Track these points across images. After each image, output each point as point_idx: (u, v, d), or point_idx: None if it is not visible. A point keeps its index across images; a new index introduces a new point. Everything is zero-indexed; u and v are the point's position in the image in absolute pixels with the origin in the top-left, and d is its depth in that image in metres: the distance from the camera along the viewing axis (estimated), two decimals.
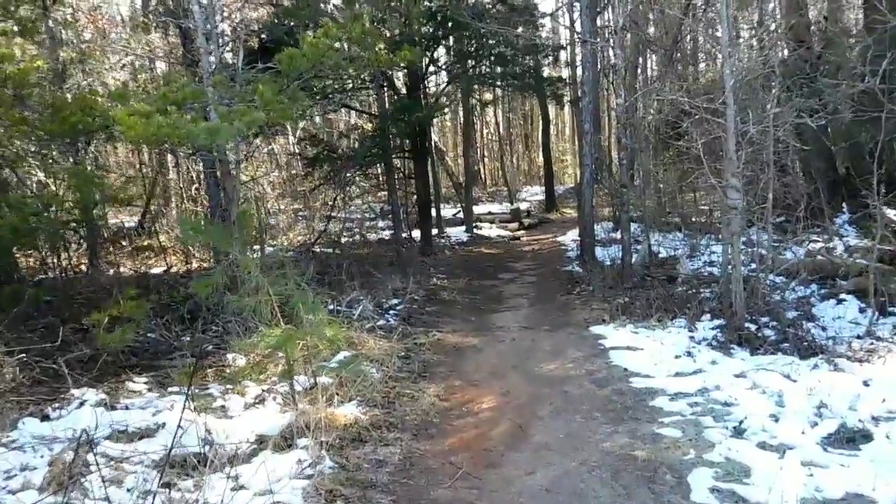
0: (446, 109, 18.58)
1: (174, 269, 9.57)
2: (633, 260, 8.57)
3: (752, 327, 5.56)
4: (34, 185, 8.18)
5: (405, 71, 11.68)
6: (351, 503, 3.27)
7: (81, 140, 7.52)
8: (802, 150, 7.29)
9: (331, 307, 6.47)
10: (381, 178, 14.07)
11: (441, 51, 13.18)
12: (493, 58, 12.34)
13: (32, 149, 7.10)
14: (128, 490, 3.30)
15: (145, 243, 11.61)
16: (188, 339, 5.92)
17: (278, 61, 5.61)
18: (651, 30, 12.29)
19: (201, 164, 9.27)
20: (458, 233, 14.85)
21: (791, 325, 5.50)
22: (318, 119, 17.26)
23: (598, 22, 13.03)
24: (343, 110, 16.57)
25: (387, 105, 11.91)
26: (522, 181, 25.68)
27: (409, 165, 12.84)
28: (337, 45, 6.25)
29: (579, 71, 15.30)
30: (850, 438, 3.59)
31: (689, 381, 4.65)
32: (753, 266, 6.50)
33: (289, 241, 12.23)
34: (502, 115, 25.85)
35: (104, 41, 11.53)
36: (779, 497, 3.04)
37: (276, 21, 9.60)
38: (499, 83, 14.62)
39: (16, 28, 7.08)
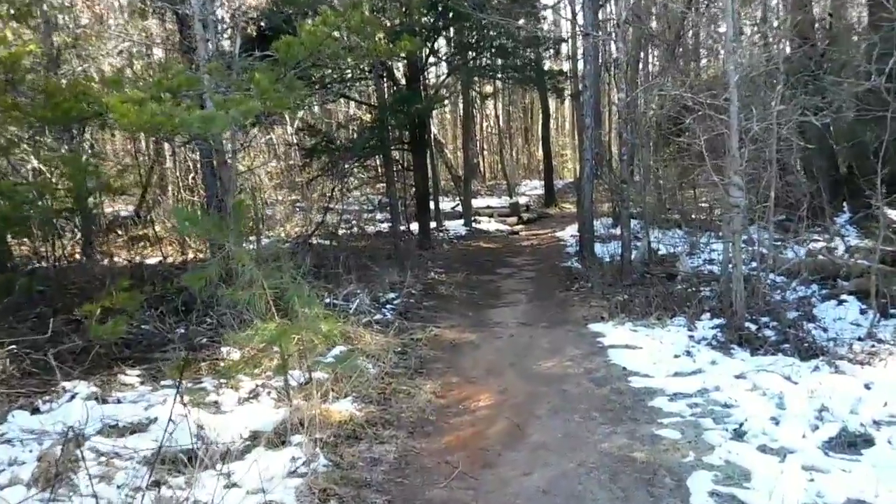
0: (446, 101, 18.43)
1: (170, 260, 9.48)
2: (633, 257, 8.51)
3: (753, 327, 5.51)
4: (29, 172, 8.06)
5: (405, 61, 11.55)
6: (345, 503, 3.21)
7: (75, 127, 7.40)
8: (806, 149, 7.21)
9: (327, 301, 6.40)
10: (379, 170, 13.99)
11: (441, 42, 13.10)
12: (493, 50, 12.22)
13: (26, 135, 6.98)
14: (118, 487, 3.24)
15: (141, 233, 11.51)
16: (182, 331, 5.84)
17: (276, 49, 5.51)
18: (653, 24, 12.19)
19: (198, 153, 9.17)
20: (456, 226, 14.77)
21: (792, 326, 5.45)
22: (316, 109, 17.13)
23: (600, 15, 12.89)
24: (342, 101, 16.46)
25: (386, 96, 11.79)
26: (521, 175, 25.57)
27: (407, 157, 12.74)
28: (335, 33, 6.14)
29: (580, 64, 15.17)
30: (851, 443, 3.55)
31: (689, 382, 4.61)
32: (754, 265, 6.44)
33: (286, 233, 12.14)
34: (502, 108, 25.72)
35: (100, 26, 11.37)
36: (780, 502, 3.00)
37: (274, 8, 9.45)
38: (499, 76, 14.52)
39: (11, 11, 6.94)
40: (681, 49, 11.92)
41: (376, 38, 6.92)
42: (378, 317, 6.57)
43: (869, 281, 5.61)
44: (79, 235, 9.05)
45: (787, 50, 8.88)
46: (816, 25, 10.40)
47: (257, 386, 4.58)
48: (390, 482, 3.43)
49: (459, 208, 16.36)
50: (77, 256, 8.73)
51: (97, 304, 5.00)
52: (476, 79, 16.26)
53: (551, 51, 16.25)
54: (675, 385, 4.57)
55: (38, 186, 6.74)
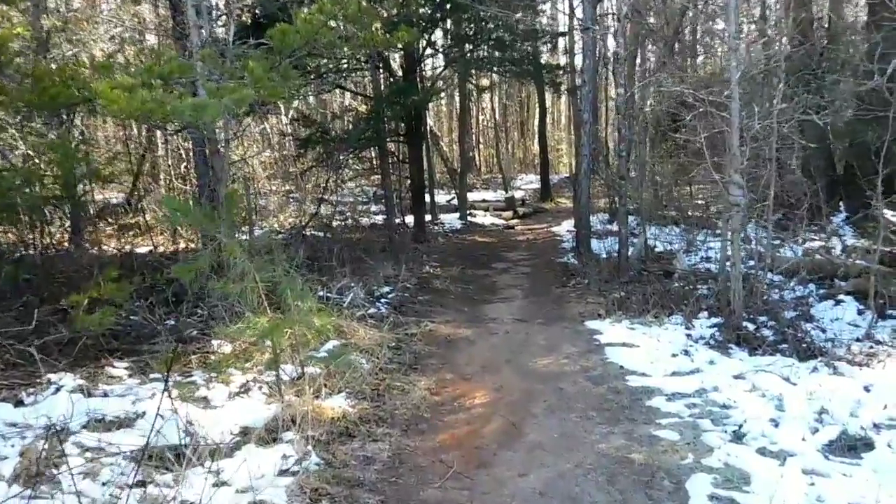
0: (442, 94, 18.30)
1: (160, 249, 9.33)
2: (630, 253, 8.46)
3: (751, 327, 5.46)
4: (18, 158, 7.88)
5: (401, 52, 11.42)
6: (337, 503, 3.13)
7: (64, 113, 7.24)
8: (805, 149, 7.17)
9: (320, 294, 6.30)
10: (374, 162, 13.85)
11: (438, 33, 12.93)
12: (491, 42, 12.08)
13: (13, 120, 6.81)
14: (102, 484, 3.14)
15: (131, 221, 11.34)
16: (172, 323, 5.73)
17: (270, 37, 5.38)
18: (651, 20, 12.10)
19: (190, 141, 9.02)
20: (451, 220, 14.68)
21: (790, 326, 5.41)
22: (311, 99, 16.93)
23: (598, 10, 12.77)
24: (337, 91, 16.29)
25: (382, 87, 11.65)
26: (517, 169, 25.51)
27: (403, 150, 12.62)
28: (332, 22, 6.01)
29: (577, 59, 15.09)
30: (851, 446, 3.50)
31: (687, 381, 4.55)
32: (752, 264, 6.40)
33: (279, 224, 12.01)
34: (498, 101, 25.60)
35: (92, 11, 11.16)
36: None
37: None
38: (497, 68, 14.38)
39: None
40: (678, 46, 11.85)
41: (373, 28, 6.80)
42: (372, 311, 6.48)
43: (866, 281, 5.58)
44: (67, 223, 8.88)
45: (787, 48, 8.82)
46: (815, 24, 10.35)
47: (248, 380, 4.49)
48: (384, 482, 3.35)
49: (455, 202, 16.28)
50: (65, 245, 8.57)
51: (85, 295, 4.87)
52: (473, 71, 16.12)
53: (549, 45, 16.13)
54: (673, 385, 4.52)
55: (25, 173, 6.58)
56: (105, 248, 9.04)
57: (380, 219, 13.38)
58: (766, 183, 6.05)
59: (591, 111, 9.89)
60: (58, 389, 4.17)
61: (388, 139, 11.42)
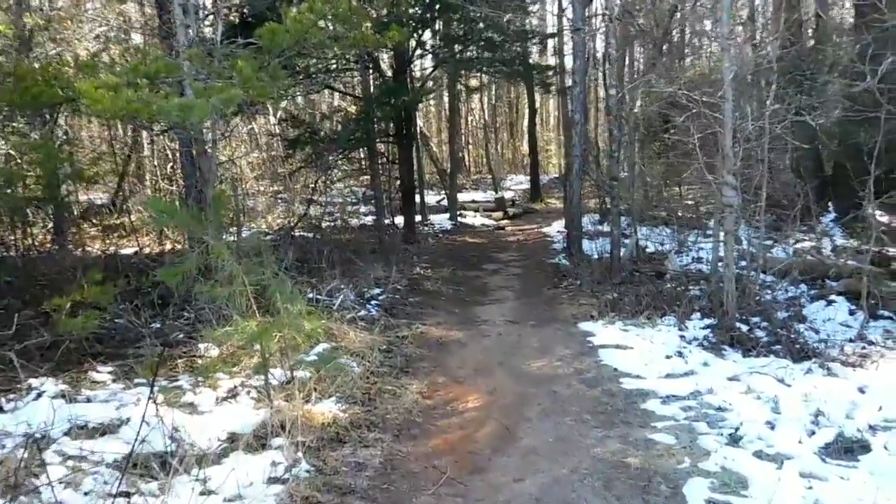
0: (432, 94, 18.23)
1: (146, 251, 9.17)
2: (621, 254, 8.44)
3: (744, 328, 5.44)
4: (2, 158, 7.71)
5: (391, 53, 11.34)
6: None
7: (47, 112, 7.09)
8: (797, 150, 7.18)
9: (310, 296, 6.21)
10: (364, 163, 13.76)
11: (428, 34, 12.86)
12: (481, 43, 12.04)
13: None
14: (85, 493, 3.05)
15: (116, 222, 11.16)
16: (158, 326, 5.61)
17: (259, 36, 5.30)
18: (641, 21, 12.11)
19: (177, 142, 8.88)
20: (441, 220, 14.62)
21: (783, 327, 5.40)
22: (300, 99, 16.79)
23: (587, 11, 12.77)
24: (326, 91, 16.18)
25: (372, 88, 11.56)
26: (507, 170, 25.50)
27: (393, 150, 12.53)
28: (321, 22, 5.94)
29: (567, 60, 15.08)
30: (848, 449, 3.48)
31: (681, 384, 4.51)
32: (743, 264, 6.39)
33: (268, 225, 11.88)
34: (488, 102, 25.58)
35: (76, 9, 10.98)
36: None
37: None
38: (486, 69, 14.34)
39: None
40: (667, 47, 11.87)
41: (363, 28, 6.73)
42: (363, 313, 6.40)
43: (857, 282, 5.58)
44: (50, 224, 8.71)
45: (778, 49, 8.84)
46: (803, 26, 10.40)
47: (236, 385, 4.39)
48: (375, 488, 3.28)
49: (445, 202, 16.22)
50: (48, 246, 8.40)
51: (68, 297, 4.74)
52: (463, 72, 16.08)
53: (538, 46, 16.12)
54: (668, 387, 4.48)
55: (7, 173, 6.44)
56: (89, 249, 8.88)
57: (369, 220, 13.28)
58: (758, 184, 6.04)
59: (582, 112, 9.87)
60: (39, 395, 4.06)
61: (377, 140, 11.33)
